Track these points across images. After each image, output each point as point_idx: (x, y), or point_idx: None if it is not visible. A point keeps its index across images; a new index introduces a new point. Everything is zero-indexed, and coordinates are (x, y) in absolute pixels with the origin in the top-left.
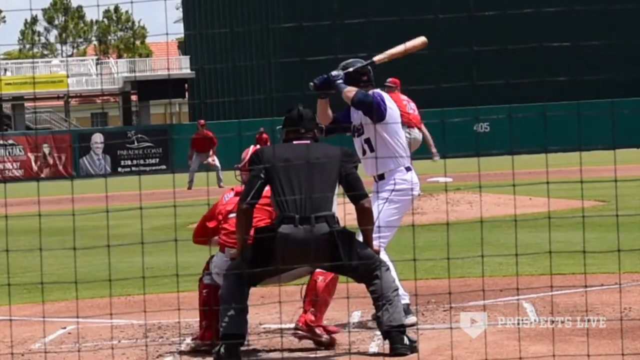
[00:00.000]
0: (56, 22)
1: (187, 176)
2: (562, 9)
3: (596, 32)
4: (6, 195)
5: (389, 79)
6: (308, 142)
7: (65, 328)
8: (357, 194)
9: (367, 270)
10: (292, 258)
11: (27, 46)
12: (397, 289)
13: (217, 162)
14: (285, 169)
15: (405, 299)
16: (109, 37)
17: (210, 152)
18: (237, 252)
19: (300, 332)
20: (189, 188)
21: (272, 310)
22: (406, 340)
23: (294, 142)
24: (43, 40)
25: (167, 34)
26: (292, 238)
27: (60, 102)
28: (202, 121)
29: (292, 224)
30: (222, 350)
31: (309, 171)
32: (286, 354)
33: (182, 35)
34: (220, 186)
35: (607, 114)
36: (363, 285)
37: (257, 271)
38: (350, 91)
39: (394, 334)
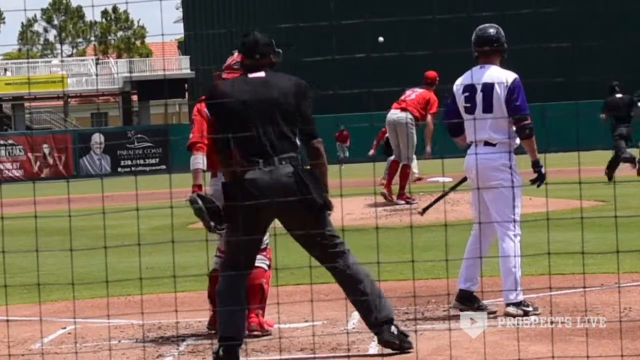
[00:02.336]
0: (55, 22)
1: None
2: (561, 9)
3: (596, 32)
4: (1, 195)
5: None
6: (263, 74)
7: (65, 328)
8: (308, 135)
9: (332, 243)
10: (264, 205)
11: (26, 47)
12: (368, 275)
13: None
14: (244, 112)
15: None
16: (109, 37)
17: None
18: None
19: (257, 332)
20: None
21: (272, 310)
22: (394, 330)
23: (249, 75)
24: (42, 40)
25: (162, 34)
26: (260, 183)
27: (60, 102)
28: None
29: (257, 168)
30: (221, 352)
31: (267, 111)
32: (285, 354)
33: (182, 36)
34: None
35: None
36: None
37: (244, 240)
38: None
39: (385, 326)
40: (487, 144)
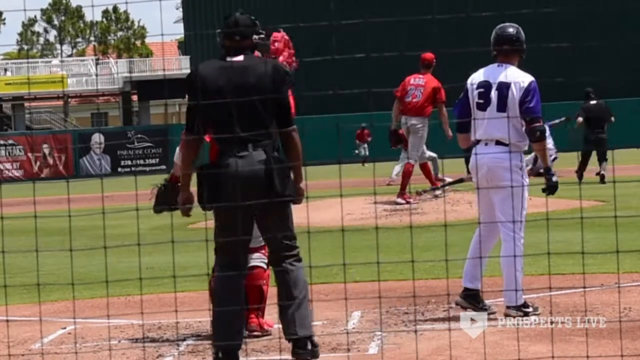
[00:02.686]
0: (55, 22)
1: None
2: (560, 9)
3: (595, 32)
4: (1, 195)
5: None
6: (242, 58)
7: (65, 328)
8: (284, 122)
9: (290, 244)
10: (236, 192)
11: (26, 47)
12: (307, 289)
13: None
14: (220, 97)
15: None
16: (109, 37)
17: None
18: (182, 187)
19: (256, 333)
20: None
21: (272, 310)
22: (309, 346)
23: (228, 58)
24: (42, 40)
25: (162, 34)
26: (232, 169)
27: (60, 102)
28: None
29: (231, 155)
30: (220, 354)
31: (243, 98)
32: (285, 355)
33: (182, 36)
34: None
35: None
36: (363, 286)
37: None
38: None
39: (302, 342)
40: (498, 143)
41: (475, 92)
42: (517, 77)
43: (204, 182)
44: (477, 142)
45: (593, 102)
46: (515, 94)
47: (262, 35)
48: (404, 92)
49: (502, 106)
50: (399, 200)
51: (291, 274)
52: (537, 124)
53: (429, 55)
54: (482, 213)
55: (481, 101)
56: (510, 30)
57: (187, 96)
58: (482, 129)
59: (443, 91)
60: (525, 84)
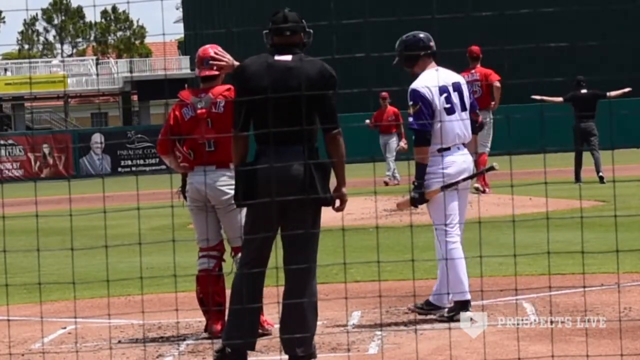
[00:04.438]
0: (55, 21)
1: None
2: (560, 9)
3: (594, 32)
4: (3, 195)
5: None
6: (290, 58)
7: (65, 328)
8: (329, 125)
9: (311, 255)
10: (268, 193)
11: (26, 47)
12: (315, 295)
13: None
14: (263, 97)
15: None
16: (109, 37)
17: None
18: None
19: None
20: None
21: (272, 310)
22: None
23: (276, 57)
24: (42, 40)
25: (163, 34)
26: (270, 171)
27: (60, 102)
28: None
29: (269, 155)
30: (228, 350)
31: (286, 99)
32: (285, 355)
33: (182, 36)
34: None
35: (606, 115)
36: (363, 286)
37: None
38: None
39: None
40: (464, 145)
41: (442, 98)
42: (457, 76)
43: (240, 179)
44: (446, 149)
45: (583, 90)
46: (465, 92)
47: (311, 33)
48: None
49: (464, 106)
50: (478, 185)
51: (303, 281)
52: (479, 117)
53: (475, 48)
54: (457, 215)
55: (448, 105)
56: (422, 35)
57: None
58: (452, 133)
59: (495, 75)
60: (464, 80)
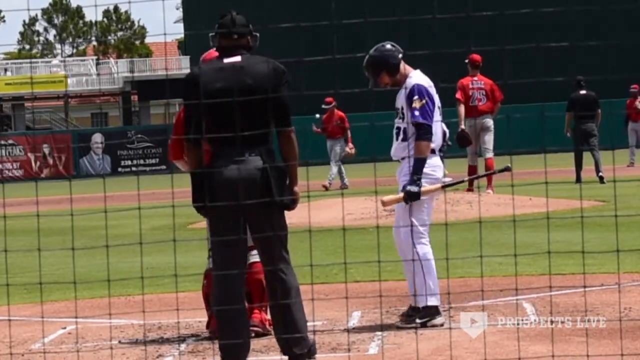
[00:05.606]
0: (55, 21)
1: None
2: (560, 9)
3: (594, 32)
4: (4, 195)
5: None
6: (239, 58)
7: (65, 328)
8: (282, 124)
9: (277, 242)
10: (227, 198)
11: (27, 47)
12: (299, 295)
13: None
14: (217, 99)
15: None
16: (109, 37)
17: None
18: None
19: (257, 329)
20: None
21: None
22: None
23: (225, 59)
24: (42, 40)
25: (165, 34)
26: (227, 175)
27: (60, 102)
28: None
29: (227, 158)
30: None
31: (240, 99)
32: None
33: (182, 36)
34: None
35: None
36: (363, 286)
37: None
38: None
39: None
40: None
41: (436, 97)
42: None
43: (197, 185)
44: (432, 151)
45: (583, 91)
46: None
47: (257, 37)
48: (467, 97)
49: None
50: (489, 191)
51: (285, 280)
52: None
53: (477, 56)
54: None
55: (439, 105)
56: (386, 44)
57: (184, 99)
58: (439, 135)
59: (500, 93)
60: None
